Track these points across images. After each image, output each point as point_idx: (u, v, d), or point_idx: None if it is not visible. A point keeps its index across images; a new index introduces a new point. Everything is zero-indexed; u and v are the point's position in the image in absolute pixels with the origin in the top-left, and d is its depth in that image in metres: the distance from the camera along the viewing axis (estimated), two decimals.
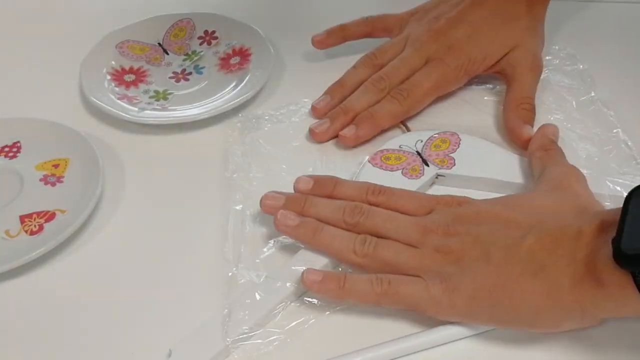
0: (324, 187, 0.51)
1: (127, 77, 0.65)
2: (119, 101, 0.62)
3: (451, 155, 0.55)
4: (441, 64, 0.59)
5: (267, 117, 0.60)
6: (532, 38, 0.60)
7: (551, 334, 0.43)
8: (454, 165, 0.54)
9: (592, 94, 0.60)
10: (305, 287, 0.46)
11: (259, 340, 0.45)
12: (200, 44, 0.68)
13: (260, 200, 0.50)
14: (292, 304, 0.47)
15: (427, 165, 0.54)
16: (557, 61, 0.63)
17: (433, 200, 0.48)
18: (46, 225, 0.53)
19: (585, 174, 0.49)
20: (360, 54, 0.62)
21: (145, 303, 0.49)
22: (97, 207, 0.54)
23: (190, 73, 0.66)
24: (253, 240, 0.51)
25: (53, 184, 0.56)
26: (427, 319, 0.45)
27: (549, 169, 0.49)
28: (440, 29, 0.60)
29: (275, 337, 0.45)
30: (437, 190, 0.54)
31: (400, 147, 0.56)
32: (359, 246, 0.46)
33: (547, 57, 0.63)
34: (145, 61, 0.67)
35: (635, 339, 0.44)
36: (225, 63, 0.66)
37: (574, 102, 0.59)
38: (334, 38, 0.65)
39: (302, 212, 0.49)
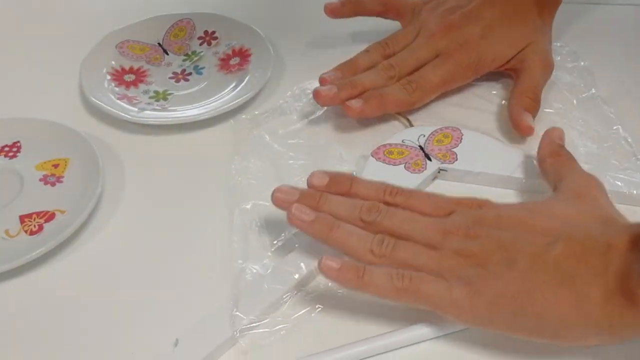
0: (339, 185, 0.49)
1: (127, 77, 0.65)
2: (118, 101, 0.62)
3: (453, 150, 0.55)
4: (451, 61, 0.59)
5: (271, 113, 0.60)
6: (543, 38, 0.60)
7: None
8: (456, 160, 0.54)
9: (593, 91, 0.60)
10: (322, 274, 0.44)
11: (266, 330, 0.45)
12: (200, 44, 0.68)
13: (272, 193, 0.48)
14: (298, 294, 0.47)
15: (430, 159, 0.54)
16: (559, 58, 0.63)
17: (452, 202, 0.47)
18: (46, 225, 0.53)
19: (585, 170, 0.49)
20: None
21: (146, 302, 0.49)
22: (97, 207, 0.54)
23: (190, 73, 0.66)
24: (260, 235, 0.51)
25: (53, 184, 0.56)
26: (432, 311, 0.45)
27: (569, 177, 0.48)
28: (454, 23, 0.59)
29: (281, 326, 0.46)
30: (439, 184, 0.54)
31: (403, 141, 0.56)
32: (377, 246, 0.45)
33: None
34: (145, 61, 0.67)
35: None
36: (225, 63, 0.66)
37: (574, 100, 0.59)
38: (347, 9, 0.65)
39: (316, 208, 0.47)
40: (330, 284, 0.47)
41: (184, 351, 0.44)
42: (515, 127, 0.56)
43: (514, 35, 0.59)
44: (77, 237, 0.53)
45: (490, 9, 0.60)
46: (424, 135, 0.56)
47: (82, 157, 0.57)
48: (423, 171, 0.54)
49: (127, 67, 0.66)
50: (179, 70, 0.66)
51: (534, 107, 0.57)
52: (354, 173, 0.54)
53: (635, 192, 0.51)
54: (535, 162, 0.53)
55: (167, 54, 0.68)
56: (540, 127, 0.55)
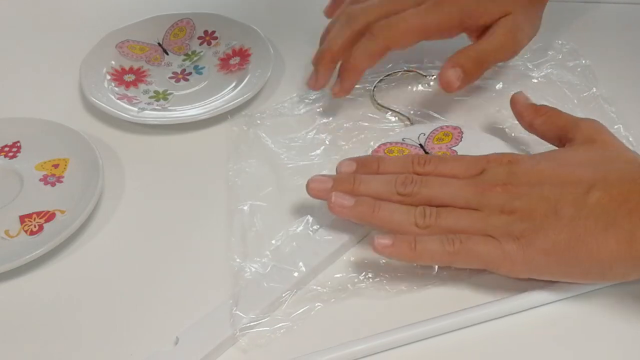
0: (368, 167, 0.50)
1: (127, 77, 0.65)
2: (118, 101, 0.62)
3: (454, 148, 0.55)
4: (435, 6, 0.55)
5: (271, 113, 0.60)
6: (524, 13, 0.56)
7: None
8: None
9: (594, 90, 0.60)
10: (378, 253, 0.45)
11: (266, 328, 0.45)
12: (200, 44, 0.68)
13: (307, 185, 0.49)
14: (299, 292, 0.47)
15: None
16: (560, 56, 0.63)
17: (482, 160, 0.48)
18: (46, 226, 0.52)
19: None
20: None
21: (146, 302, 0.49)
22: (97, 207, 0.54)
23: (190, 73, 0.66)
24: (259, 234, 0.51)
25: (53, 184, 0.56)
26: (431, 307, 0.45)
27: (571, 127, 0.49)
28: None
29: (281, 324, 0.46)
30: None
31: (403, 140, 0.56)
32: (420, 218, 0.46)
33: (550, 52, 0.63)
34: (145, 61, 0.67)
35: None
36: (225, 63, 0.66)
37: (575, 99, 0.59)
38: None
39: (353, 191, 0.48)
40: (329, 282, 0.48)
41: (184, 350, 0.44)
42: (439, 78, 0.54)
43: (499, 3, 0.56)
44: (77, 237, 0.53)
45: None
46: (424, 134, 0.56)
47: (82, 157, 0.56)
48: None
49: (127, 67, 0.66)
50: (178, 70, 0.66)
51: (469, 68, 0.54)
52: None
53: None
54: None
55: (167, 53, 0.68)
56: None
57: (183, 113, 0.61)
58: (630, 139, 0.55)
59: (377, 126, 0.59)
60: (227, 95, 0.62)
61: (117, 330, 0.47)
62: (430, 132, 0.56)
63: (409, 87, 0.62)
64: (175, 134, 0.60)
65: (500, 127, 0.58)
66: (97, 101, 0.61)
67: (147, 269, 0.51)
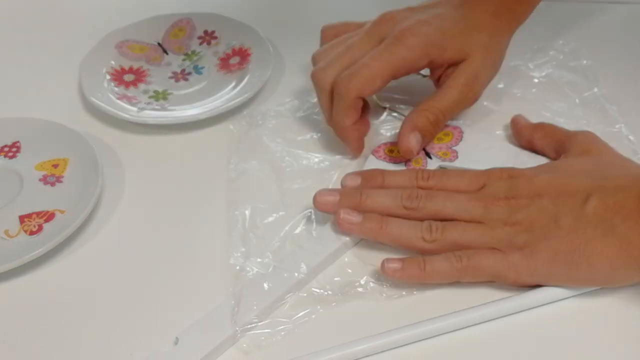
0: (372, 180, 0.51)
1: (127, 77, 0.65)
2: (118, 101, 0.62)
3: (454, 148, 0.55)
4: (396, 41, 0.53)
5: (272, 114, 0.60)
6: (484, 57, 0.55)
7: None
8: (457, 157, 0.54)
9: (595, 90, 0.59)
10: (387, 277, 0.46)
11: (267, 330, 0.45)
12: (200, 44, 0.68)
13: (314, 199, 0.50)
14: (300, 294, 0.47)
15: (430, 157, 0.54)
16: (562, 56, 0.62)
17: (483, 175, 0.49)
18: (45, 225, 0.52)
19: None
20: None
21: (146, 302, 0.48)
22: (97, 207, 0.54)
23: (189, 73, 0.66)
24: (260, 235, 0.51)
25: (52, 184, 0.55)
26: (431, 309, 0.45)
27: (567, 139, 0.52)
28: (394, 17, 0.55)
29: (283, 326, 0.46)
30: None
31: None
32: (427, 232, 0.47)
33: (551, 52, 0.63)
34: (144, 61, 0.66)
35: None
36: (224, 63, 0.66)
37: (576, 99, 0.59)
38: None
39: (360, 205, 0.49)
40: (331, 285, 0.48)
41: (184, 350, 0.44)
42: (398, 143, 0.53)
43: (463, 39, 0.54)
44: (76, 237, 0.52)
45: (443, 7, 0.56)
46: None
47: (82, 157, 0.56)
48: (424, 168, 0.53)
49: (126, 67, 0.66)
50: (178, 70, 0.66)
51: (427, 129, 0.53)
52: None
53: None
54: (532, 159, 0.53)
55: (167, 53, 0.67)
56: None
57: (183, 113, 0.61)
58: (632, 137, 0.55)
59: (377, 126, 0.59)
60: (227, 95, 0.62)
61: (117, 330, 0.47)
62: None
63: (410, 87, 0.62)
64: (175, 134, 0.60)
65: (501, 127, 0.58)
66: (97, 101, 0.61)
67: (147, 269, 0.50)
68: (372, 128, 0.58)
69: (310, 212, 0.52)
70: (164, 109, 0.62)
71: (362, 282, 0.48)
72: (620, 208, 0.45)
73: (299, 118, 0.60)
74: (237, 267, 0.49)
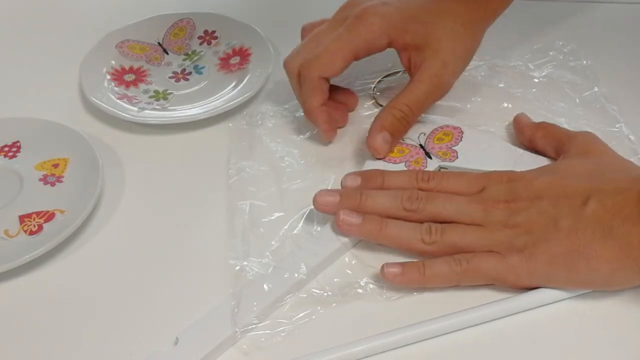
0: (372, 181, 0.51)
1: (127, 77, 0.65)
2: (118, 101, 0.62)
3: (454, 148, 0.55)
4: (355, 21, 0.54)
5: (271, 114, 0.60)
6: (452, 45, 0.54)
7: None
8: (457, 158, 0.54)
9: (595, 89, 0.60)
10: (387, 281, 0.46)
11: (267, 331, 0.45)
12: (200, 44, 0.68)
13: (314, 200, 0.50)
14: (300, 295, 0.47)
15: (430, 157, 0.54)
16: (561, 57, 0.62)
17: (483, 178, 0.49)
18: (45, 225, 0.52)
19: None
20: None
21: (146, 302, 0.48)
22: (97, 207, 0.54)
23: (190, 73, 0.66)
24: (259, 235, 0.51)
25: (52, 184, 0.55)
26: (431, 309, 0.45)
27: (568, 139, 0.52)
28: (359, 1, 0.55)
29: (283, 327, 0.46)
30: None
31: (403, 139, 0.56)
32: (426, 234, 0.47)
33: (551, 52, 0.63)
34: (145, 61, 0.66)
35: None
36: (225, 63, 0.66)
37: (577, 99, 0.59)
38: None
39: (360, 206, 0.49)
40: (330, 287, 0.48)
41: (184, 350, 0.44)
42: (366, 143, 0.54)
43: (429, 24, 0.54)
44: (76, 237, 0.52)
45: None
46: (425, 134, 0.56)
47: (82, 157, 0.56)
48: (424, 169, 0.53)
49: (127, 67, 0.66)
50: (178, 70, 0.66)
51: (396, 128, 0.53)
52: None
53: None
54: (532, 159, 0.53)
55: (167, 53, 0.67)
56: None
57: (183, 113, 0.61)
58: (632, 137, 0.55)
59: None
60: (227, 95, 0.62)
61: (117, 330, 0.47)
62: (431, 132, 0.56)
63: None
64: (175, 134, 0.60)
65: (501, 127, 0.58)
66: (97, 101, 0.61)
67: (147, 269, 0.50)
68: None
69: (310, 212, 0.52)
70: (164, 108, 0.62)
71: (362, 283, 0.48)
72: (619, 210, 0.45)
73: (299, 118, 0.60)
74: (237, 268, 0.49)
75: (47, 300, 0.49)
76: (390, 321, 0.45)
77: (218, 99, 0.62)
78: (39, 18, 0.75)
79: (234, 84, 0.63)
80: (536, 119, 0.56)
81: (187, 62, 0.66)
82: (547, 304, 0.46)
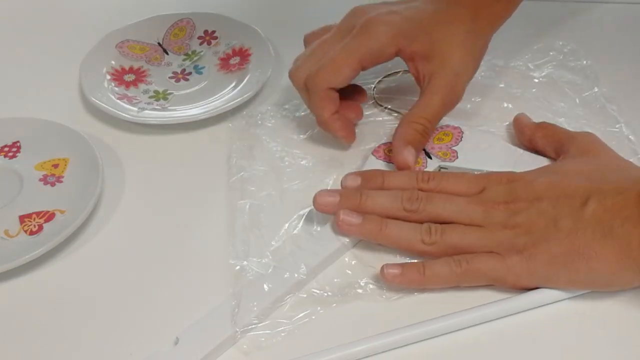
0: (372, 181, 0.51)
1: (127, 77, 0.65)
2: (118, 101, 0.62)
3: (454, 148, 0.55)
4: (363, 30, 0.54)
5: (271, 114, 0.61)
6: (463, 54, 0.54)
7: None
8: (457, 158, 0.54)
9: (595, 90, 0.60)
10: (387, 282, 0.46)
11: (267, 331, 0.45)
12: (200, 44, 0.68)
13: (314, 200, 0.50)
14: (300, 295, 0.47)
15: (430, 157, 0.54)
16: (561, 57, 0.63)
17: (483, 179, 0.49)
18: (45, 225, 0.52)
19: None
20: None
21: (147, 303, 0.48)
22: (97, 207, 0.54)
23: (190, 73, 0.66)
24: (259, 235, 0.51)
25: (52, 184, 0.55)
26: (428, 310, 0.45)
27: (568, 140, 0.52)
28: (365, 10, 0.55)
29: (283, 327, 0.46)
30: None
31: None
32: (426, 235, 0.47)
33: (551, 52, 0.63)
34: (145, 61, 0.66)
35: None
36: (225, 63, 0.66)
37: (577, 99, 0.59)
38: None
39: (360, 206, 0.49)
40: (330, 287, 0.48)
41: (184, 350, 0.44)
42: (393, 159, 0.53)
43: (437, 33, 0.54)
44: (76, 237, 0.52)
45: (421, 2, 0.56)
46: None
47: (82, 157, 0.56)
48: (423, 169, 0.53)
49: (127, 67, 0.66)
50: (178, 70, 0.66)
51: (419, 141, 0.53)
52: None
53: None
54: (532, 159, 0.53)
55: (167, 53, 0.67)
56: None
57: (183, 113, 0.61)
58: (632, 137, 0.55)
59: (377, 126, 0.59)
60: (227, 95, 0.62)
61: (117, 330, 0.47)
62: None
63: (409, 87, 0.62)
64: (175, 134, 0.60)
65: (501, 127, 0.58)
66: (97, 101, 0.61)
67: (147, 269, 0.50)
68: (372, 128, 0.58)
69: (310, 212, 0.52)
70: (164, 109, 0.62)
71: (362, 283, 0.48)
72: (619, 210, 0.45)
73: (299, 118, 0.60)
74: (237, 268, 0.49)
75: (47, 300, 0.49)
76: (390, 321, 0.45)
77: (218, 99, 0.62)
78: (39, 18, 0.75)
79: (234, 84, 0.63)
80: (536, 119, 0.56)
81: (187, 62, 0.66)
82: (547, 304, 0.46)
